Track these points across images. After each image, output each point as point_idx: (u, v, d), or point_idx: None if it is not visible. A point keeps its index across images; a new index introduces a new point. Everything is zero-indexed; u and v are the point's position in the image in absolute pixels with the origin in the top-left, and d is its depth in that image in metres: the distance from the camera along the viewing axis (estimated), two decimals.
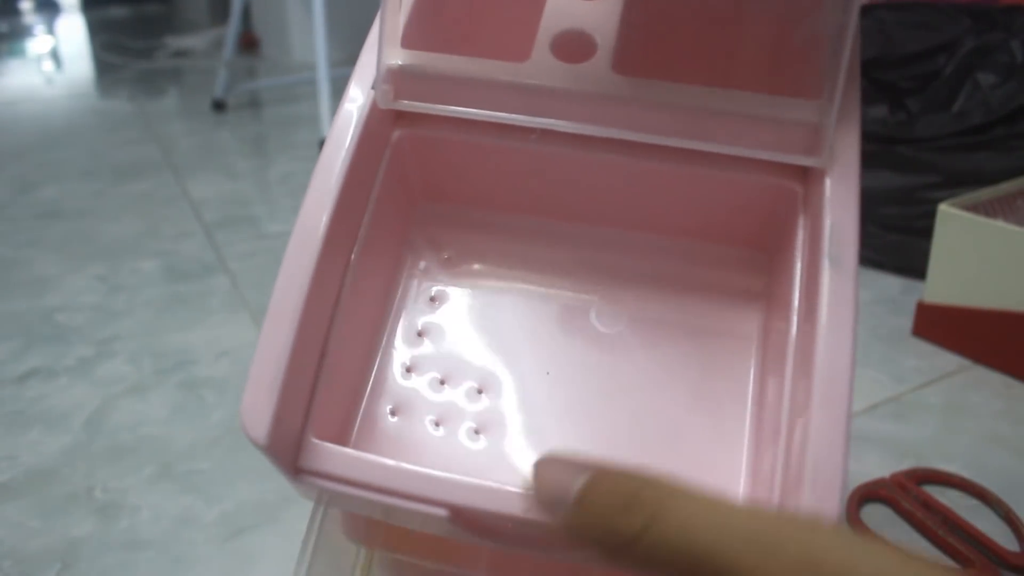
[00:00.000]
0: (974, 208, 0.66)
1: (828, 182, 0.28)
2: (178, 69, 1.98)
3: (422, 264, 0.35)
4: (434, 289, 0.35)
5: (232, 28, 1.54)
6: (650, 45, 0.33)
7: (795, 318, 0.29)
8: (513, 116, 0.30)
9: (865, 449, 0.56)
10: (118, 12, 2.93)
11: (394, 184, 0.34)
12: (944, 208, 0.66)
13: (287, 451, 0.27)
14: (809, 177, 0.30)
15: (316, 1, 1.25)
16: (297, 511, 0.52)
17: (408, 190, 0.35)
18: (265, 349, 0.27)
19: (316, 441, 0.27)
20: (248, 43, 2.11)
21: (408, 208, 0.36)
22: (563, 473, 0.22)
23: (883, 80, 0.84)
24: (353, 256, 0.31)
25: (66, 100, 1.71)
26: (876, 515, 0.50)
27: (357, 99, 0.31)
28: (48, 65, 2.12)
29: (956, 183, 0.76)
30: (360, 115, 0.30)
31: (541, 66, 0.30)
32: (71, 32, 2.62)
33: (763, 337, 0.32)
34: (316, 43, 1.26)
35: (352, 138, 0.30)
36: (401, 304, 0.35)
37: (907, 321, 0.72)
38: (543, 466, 0.23)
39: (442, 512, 0.26)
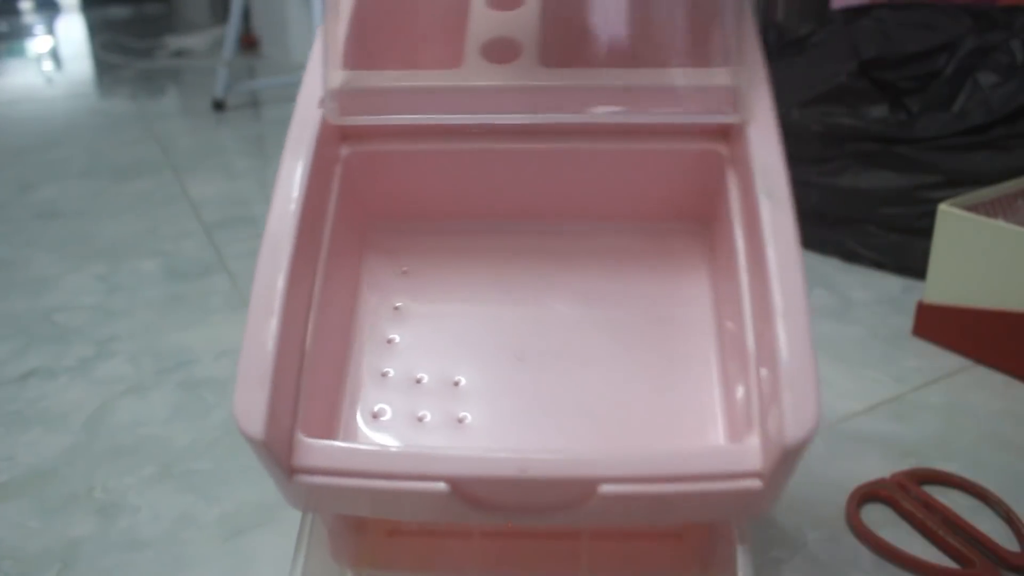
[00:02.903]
0: (974, 208, 0.66)
1: (751, 131, 0.30)
2: (178, 69, 1.98)
3: (382, 279, 0.36)
4: (397, 302, 0.36)
5: (232, 28, 1.54)
6: (572, 40, 0.35)
7: (741, 258, 0.31)
8: (454, 116, 0.32)
9: (865, 449, 0.56)
10: (118, 12, 2.93)
11: (347, 203, 0.35)
12: (944, 208, 0.66)
13: (281, 450, 0.27)
14: (731, 139, 0.32)
15: (316, 1, 1.25)
16: (297, 511, 0.52)
17: (361, 208, 0.37)
18: (251, 346, 0.28)
19: (307, 439, 0.28)
20: (248, 43, 2.11)
21: (363, 227, 0.37)
22: None
23: (883, 80, 0.84)
24: (319, 270, 0.32)
25: (66, 100, 1.71)
26: (876, 515, 0.50)
27: (306, 119, 0.33)
28: (48, 65, 2.12)
29: (956, 183, 0.76)
30: (311, 134, 0.32)
31: (474, 69, 0.32)
32: (71, 32, 2.62)
33: (714, 289, 0.34)
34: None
35: (307, 155, 0.32)
36: (367, 316, 0.35)
37: (907, 321, 0.72)
38: None
39: (442, 487, 0.26)
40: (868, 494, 0.51)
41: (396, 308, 0.35)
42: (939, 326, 0.69)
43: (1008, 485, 0.52)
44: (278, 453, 0.27)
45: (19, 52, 2.30)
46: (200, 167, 1.23)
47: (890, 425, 0.59)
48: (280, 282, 0.29)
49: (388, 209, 0.37)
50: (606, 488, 0.26)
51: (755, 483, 0.26)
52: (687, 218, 0.36)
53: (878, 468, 0.53)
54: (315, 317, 0.31)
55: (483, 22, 0.34)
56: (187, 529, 0.51)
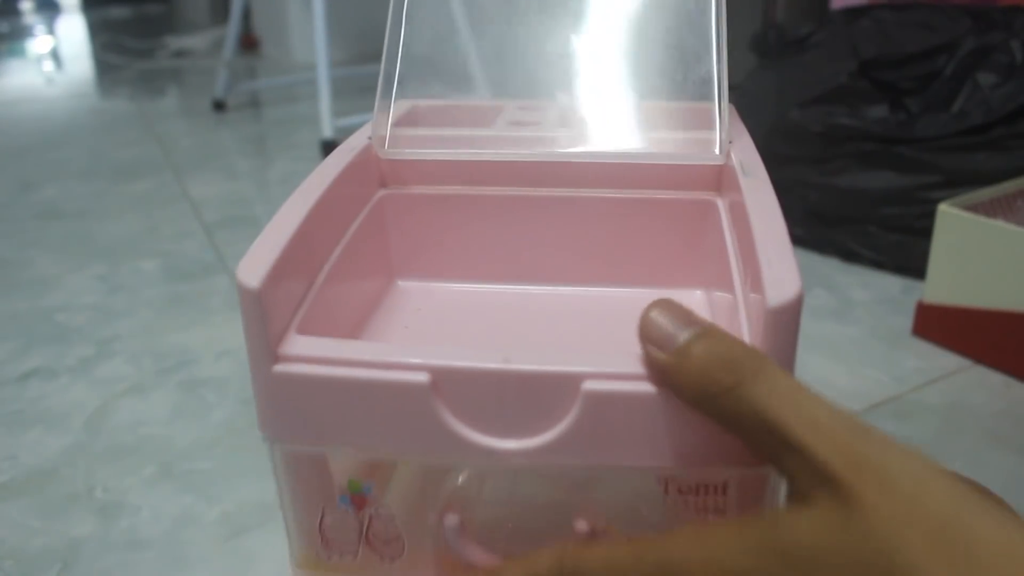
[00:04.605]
0: (974, 208, 0.66)
1: (732, 152, 0.38)
2: (178, 69, 1.98)
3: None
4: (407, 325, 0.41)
5: (232, 28, 1.54)
6: (585, 119, 0.43)
7: (727, 225, 0.36)
8: (484, 152, 0.40)
9: None
10: (118, 12, 2.93)
11: (374, 253, 0.41)
12: (944, 208, 0.66)
13: (272, 337, 0.28)
14: (722, 186, 0.39)
15: (316, 1, 1.25)
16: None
17: (387, 262, 0.43)
18: (273, 226, 0.30)
19: (299, 336, 0.29)
20: (248, 43, 2.11)
21: (387, 281, 0.43)
22: (675, 321, 0.25)
23: (883, 80, 0.84)
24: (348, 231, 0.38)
25: (66, 100, 1.71)
26: None
27: (353, 146, 0.39)
28: (48, 65, 2.12)
29: (956, 183, 0.76)
30: (355, 154, 0.38)
31: (503, 127, 0.42)
32: (71, 32, 2.62)
33: (706, 260, 0.41)
34: (316, 43, 1.26)
35: (341, 166, 0.37)
36: (386, 310, 0.42)
37: (907, 321, 0.72)
38: (656, 309, 0.25)
39: (422, 378, 0.26)
40: None
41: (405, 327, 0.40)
42: (939, 326, 0.69)
43: (1008, 485, 0.52)
44: (271, 318, 0.27)
45: (19, 52, 2.30)
46: (200, 167, 1.23)
47: (890, 425, 0.59)
48: (306, 208, 0.32)
49: (413, 267, 0.43)
50: (590, 385, 0.25)
51: None
52: (685, 248, 0.42)
53: None
54: (336, 259, 0.35)
55: (510, 113, 0.43)
56: (187, 529, 0.51)
